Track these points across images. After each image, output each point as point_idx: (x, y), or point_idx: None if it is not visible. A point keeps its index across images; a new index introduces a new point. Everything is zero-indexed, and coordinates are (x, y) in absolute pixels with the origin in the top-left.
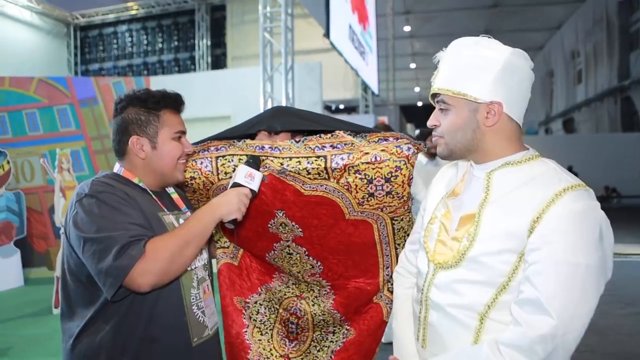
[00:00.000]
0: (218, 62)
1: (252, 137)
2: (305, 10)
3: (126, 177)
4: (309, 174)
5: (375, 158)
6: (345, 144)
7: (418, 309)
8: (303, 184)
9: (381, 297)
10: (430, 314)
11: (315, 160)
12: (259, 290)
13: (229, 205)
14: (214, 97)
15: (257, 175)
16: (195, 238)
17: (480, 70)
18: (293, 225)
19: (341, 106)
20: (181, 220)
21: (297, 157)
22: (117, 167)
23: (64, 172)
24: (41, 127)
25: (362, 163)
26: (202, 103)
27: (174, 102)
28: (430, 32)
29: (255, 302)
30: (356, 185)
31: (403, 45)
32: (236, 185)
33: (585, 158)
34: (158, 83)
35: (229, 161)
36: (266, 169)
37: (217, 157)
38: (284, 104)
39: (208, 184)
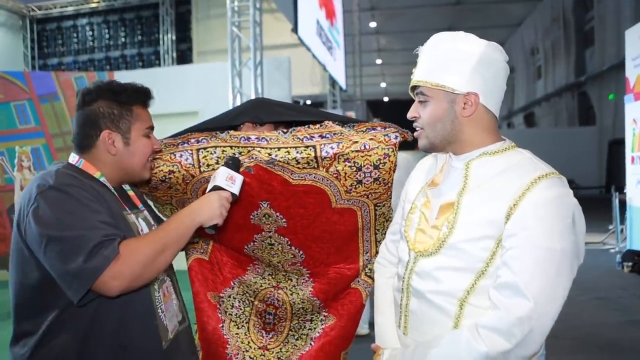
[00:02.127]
0: (184, 57)
1: (235, 128)
2: (273, 5)
3: (86, 170)
4: (298, 163)
5: (365, 146)
6: (334, 134)
7: (399, 297)
8: (291, 174)
9: (359, 282)
10: (412, 301)
11: (305, 150)
12: (232, 284)
13: (210, 210)
14: (181, 92)
15: (238, 179)
16: (173, 243)
17: (458, 63)
18: (277, 216)
19: (308, 102)
20: (140, 220)
21: (286, 147)
22: (74, 159)
23: (25, 171)
24: None
25: (352, 151)
26: (169, 98)
27: (145, 97)
28: (395, 28)
29: (229, 296)
30: (345, 173)
31: (369, 41)
32: (217, 188)
33: (546, 151)
34: (122, 78)
35: (211, 153)
36: (253, 160)
37: (198, 150)
38: (253, 98)
39: (188, 177)
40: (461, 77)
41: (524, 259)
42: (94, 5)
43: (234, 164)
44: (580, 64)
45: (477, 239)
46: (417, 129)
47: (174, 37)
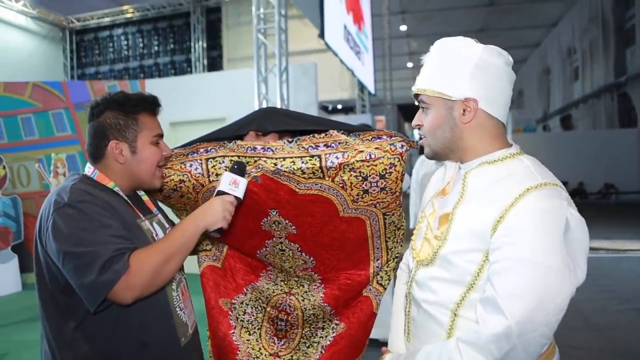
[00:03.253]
0: (214, 64)
1: (242, 138)
2: (301, 11)
3: (100, 181)
4: (304, 173)
5: (370, 156)
6: (339, 143)
7: (405, 303)
8: (297, 184)
9: (370, 290)
10: (412, 309)
11: (310, 159)
12: (245, 290)
13: (213, 215)
14: (209, 99)
15: (242, 182)
16: (179, 251)
17: (454, 69)
18: (286, 223)
19: (339, 106)
20: (155, 224)
21: (291, 157)
22: (89, 170)
23: (60, 177)
24: (37, 131)
25: (357, 161)
26: (197, 105)
27: (152, 105)
28: (426, 31)
29: (242, 303)
30: (351, 183)
31: (399, 44)
32: (220, 193)
33: (583, 155)
34: (153, 86)
35: (219, 162)
36: (259, 170)
37: (207, 159)
38: (278, 105)
39: (198, 187)
40: (457, 83)
41: (506, 275)
42: (129, 15)
43: (239, 168)
44: (620, 64)
45: (466, 251)
46: (421, 137)
47: (204, 45)
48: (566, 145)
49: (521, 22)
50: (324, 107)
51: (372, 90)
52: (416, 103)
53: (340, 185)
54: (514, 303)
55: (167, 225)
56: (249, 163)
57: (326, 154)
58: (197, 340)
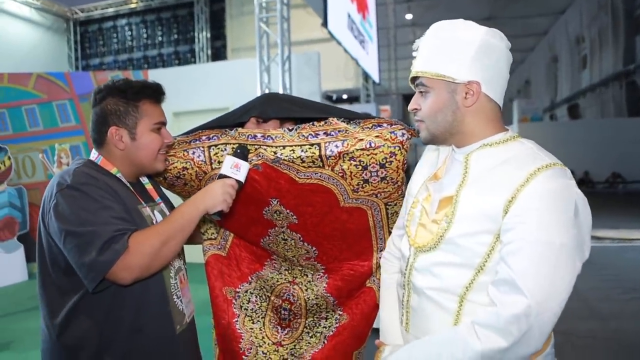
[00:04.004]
0: (218, 54)
1: (243, 125)
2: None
3: (104, 166)
4: (303, 162)
5: (370, 144)
6: (339, 131)
7: (402, 293)
8: (297, 172)
9: (374, 281)
10: (412, 298)
11: (309, 148)
12: (250, 279)
13: (213, 198)
14: (212, 89)
15: (244, 166)
16: (178, 232)
17: (457, 51)
18: (287, 213)
19: (344, 96)
20: (156, 212)
21: (291, 146)
22: (94, 156)
23: (64, 167)
24: (41, 122)
25: (357, 150)
26: (200, 95)
27: (154, 93)
28: (432, 19)
29: (246, 291)
30: (351, 172)
31: (405, 33)
32: (222, 176)
33: (591, 144)
34: (156, 76)
35: (222, 150)
36: (260, 158)
37: (209, 147)
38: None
39: (201, 174)
40: (461, 65)
41: (521, 254)
42: (132, 5)
43: (241, 152)
44: (629, 52)
45: (475, 233)
46: (417, 121)
47: (208, 35)
48: (573, 134)
49: (528, 10)
50: (328, 97)
51: (377, 80)
52: (413, 87)
53: (340, 174)
54: (533, 282)
55: (168, 214)
56: (251, 151)
57: (326, 142)
58: (194, 330)
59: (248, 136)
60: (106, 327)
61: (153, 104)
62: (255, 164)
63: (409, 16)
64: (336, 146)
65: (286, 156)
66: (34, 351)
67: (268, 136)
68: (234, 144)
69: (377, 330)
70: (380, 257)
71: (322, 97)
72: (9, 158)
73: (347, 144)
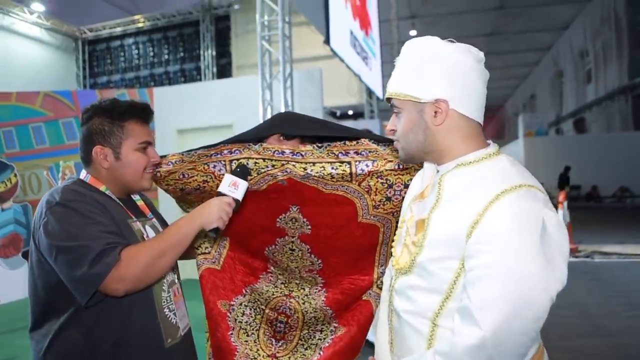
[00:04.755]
0: (224, 71)
1: (261, 141)
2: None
3: (93, 184)
4: (333, 178)
5: (399, 166)
6: (369, 151)
7: (387, 314)
8: (325, 185)
9: (370, 294)
10: (394, 319)
11: (340, 165)
12: (244, 291)
13: (209, 215)
14: (216, 106)
15: (242, 184)
16: (172, 247)
17: (422, 71)
18: (303, 222)
19: (350, 112)
20: (147, 227)
21: (321, 163)
22: (83, 174)
23: None
24: (47, 140)
25: (386, 170)
26: (203, 112)
27: (141, 113)
28: (436, 35)
29: (240, 304)
30: (376, 189)
31: None
32: (220, 194)
33: (597, 158)
34: (161, 94)
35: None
36: (286, 174)
37: (230, 161)
38: (283, 111)
39: None
40: (426, 84)
41: (480, 284)
42: (140, 25)
43: (241, 171)
44: (634, 65)
45: (441, 258)
46: (394, 142)
47: (214, 53)
48: (579, 148)
49: (532, 25)
50: (332, 113)
51: (380, 96)
52: (391, 107)
53: (366, 189)
54: (488, 313)
55: (161, 229)
56: (275, 166)
57: (356, 161)
58: (190, 342)
59: (275, 152)
60: (92, 340)
61: (139, 124)
62: (280, 179)
63: (413, 32)
64: (367, 165)
65: (317, 172)
66: None
67: (297, 152)
68: (256, 158)
69: (371, 345)
70: (380, 272)
71: (326, 114)
72: (15, 175)
73: (377, 164)
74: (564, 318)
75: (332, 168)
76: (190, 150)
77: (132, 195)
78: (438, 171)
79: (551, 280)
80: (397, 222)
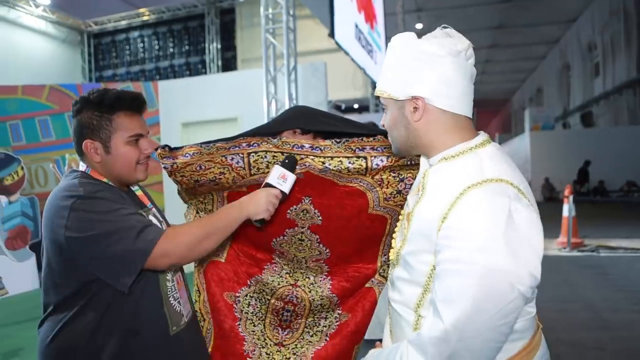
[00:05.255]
0: (229, 64)
1: (275, 135)
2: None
3: (95, 177)
4: (349, 172)
5: (411, 161)
6: (385, 147)
7: (388, 303)
8: (340, 178)
9: (373, 281)
10: (390, 308)
11: (357, 160)
12: (249, 282)
13: (257, 206)
14: (220, 99)
15: (290, 177)
16: (218, 231)
17: (398, 68)
18: (315, 213)
19: (355, 105)
20: (151, 217)
21: (339, 157)
22: (83, 167)
23: None
24: (53, 133)
25: (399, 165)
26: (208, 106)
27: (130, 104)
28: None
29: (246, 295)
30: (388, 182)
31: None
32: (268, 185)
33: (605, 152)
34: (166, 87)
35: (262, 157)
36: (304, 167)
37: (249, 153)
38: (287, 104)
39: (238, 179)
40: (401, 82)
41: (445, 278)
42: (145, 18)
43: (289, 163)
44: None
45: (418, 252)
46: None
47: (219, 46)
48: (586, 142)
49: (539, 18)
50: (337, 107)
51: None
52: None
53: (378, 182)
54: (450, 308)
55: (160, 219)
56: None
57: (372, 157)
58: (195, 328)
59: (294, 146)
60: (102, 330)
61: (129, 115)
62: (298, 172)
63: (419, 25)
64: (381, 160)
65: (334, 167)
66: None
67: (316, 147)
68: (275, 152)
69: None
70: (383, 261)
71: (331, 107)
72: (22, 168)
73: (392, 159)
74: (569, 311)
75: (350, 162)
76: (209, 142)
77: (131, 187)
78: (431, 165)
79: (519, 276)
80: None
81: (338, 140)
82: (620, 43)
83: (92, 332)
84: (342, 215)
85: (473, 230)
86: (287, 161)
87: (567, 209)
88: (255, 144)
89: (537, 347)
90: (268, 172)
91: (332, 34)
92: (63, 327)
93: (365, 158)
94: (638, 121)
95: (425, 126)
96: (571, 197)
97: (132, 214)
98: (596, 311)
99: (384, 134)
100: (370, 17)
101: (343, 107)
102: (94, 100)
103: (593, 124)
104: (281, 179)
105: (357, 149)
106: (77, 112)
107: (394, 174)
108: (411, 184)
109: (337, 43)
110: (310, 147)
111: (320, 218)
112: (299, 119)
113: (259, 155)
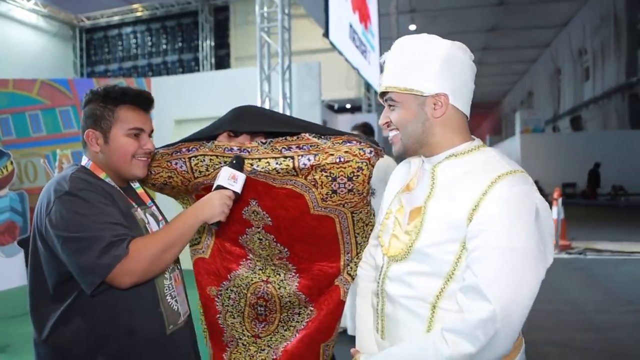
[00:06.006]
0: (222, 62)
1: (216, 138)
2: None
3: (94, 171)
4: (278, 173)
5: (340, 159)
6: (310, 146)
7: (376, 302)
8: (273, 180)
9: (341, 279)
10: (387, 306)
11: (284, 160)
12: (229, 277)
13: (212, 209)
14: (214, 97)
15: (240, 177)
16: (178, 240)
17: (424, 64)
18: (264, 214)
19: (348, 105)
20: (148, 215)
21: (266, 158)
22: (84, 160)
23: None
24: (44, 128)
25: (328, 163)
26: (201, 103)
27: (134, 99)
28: (436, 30)
29: (227, 289)
30: (322, 182)
31: None
32: (219, 187)
33: (594, 156)
34: (158, 84)
35: (201, 161)
36: None
37: (189, 158)
38: (281, 103)
39: (185, 181)
40: (429, 78)
41: (486, 261)
42: (138, 14)
43: (237, 163)
44: (632, 64)
45: (442, 242)
46: (390, 134)
47: (212, 44)
48: (575, 146)
49: (531, 22)
50: (330, 107)
51: (378, 90)
52: (383, 102)
53: (312, 183)
54: (497, 288)
55: (160, 217)
56: (227, 162)
57: (299, 156)
58: (191, 328)
59: (225, 149)
60: (98, 329)
61: (132, 109)
62: (245, 176)
63: (412, 26)
64: (308, 159)
65: (262, 168)
66: (30, 355)
67: (244, 149)
68: (211, 155)
69: (348, 333)
70: (347, 259)
71: (324, 107)
72: (11, 163)
73: (319, 158)
74: (557, 313)
75: (277, 163)
76: (157, 149)
77: (131, 183)
78: (424, 163)
79: (543, 258)
80: (351, 214)
81: (264, 140)
82: (610, 48)
83: (89, 332)
84: (288, 217)
85: (509, 216)
86: (234, 162)
87: (556, 212)
88: (194, 149)
89: (522, 343)
90: (209, 174)
91: (326, 34)
92: (57, 325)
93: (292, 158)
94: (626, 126)
95: (441, 123)
96: (560, 200)
97: (107, 223)
98: (584, 312)
99: (323, 133)
100: (364, 18)
101: (336, 107)
102: (101, 93)
103: (582, 127)
104: (232, 180)
105: (282, 149)
106: (85, 103)
107: (325, 174)
108: (344, 183)
109: (331, 43)
110: (238, 149)
111: (269, 219)
112: (234, 121)
113: (198, 159)
